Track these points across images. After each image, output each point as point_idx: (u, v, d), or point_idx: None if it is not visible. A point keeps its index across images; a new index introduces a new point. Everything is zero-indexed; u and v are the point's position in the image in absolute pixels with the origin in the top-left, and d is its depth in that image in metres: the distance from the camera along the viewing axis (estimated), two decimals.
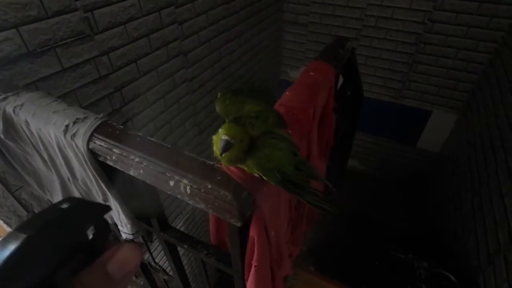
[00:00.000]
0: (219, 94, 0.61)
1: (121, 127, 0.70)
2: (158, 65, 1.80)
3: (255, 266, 0.66)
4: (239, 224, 0.55)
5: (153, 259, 1.14)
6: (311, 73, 0.90)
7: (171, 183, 0.58)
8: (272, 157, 0.53)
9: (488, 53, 2.56)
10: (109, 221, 0.90)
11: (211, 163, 0.60)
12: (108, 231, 0.29)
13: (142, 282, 1.48)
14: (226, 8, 2.24)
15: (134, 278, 1.58)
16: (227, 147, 0.49)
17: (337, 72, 0.98)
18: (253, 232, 0.61)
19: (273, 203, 0.63)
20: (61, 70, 1.27)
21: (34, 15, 1.13)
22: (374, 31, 2.88)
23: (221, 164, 0.58)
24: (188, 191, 0.56)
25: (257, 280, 0.69)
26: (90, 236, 0.27)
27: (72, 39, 1.28)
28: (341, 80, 1.55)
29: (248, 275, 0.70)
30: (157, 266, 1.18)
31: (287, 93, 0.81)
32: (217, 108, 0.59)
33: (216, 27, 2.20)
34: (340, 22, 2.96)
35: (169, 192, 0.60)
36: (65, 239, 0.26)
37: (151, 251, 1.15)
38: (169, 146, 0.64)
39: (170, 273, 1.16)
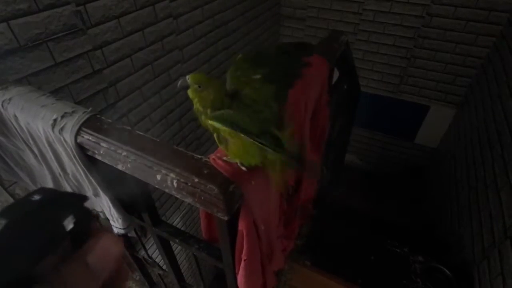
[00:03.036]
0: (239, 57, 0.62)
1: (110, 121, 0.69)
2: (153, 60, 1.78)
3: (244, 260, 0.66)
4: (226, 218, 0.55)
5: (147, 253, 1.14)
6: None
7: (158, 177, 0.57)
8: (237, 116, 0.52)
9: (487, 47, 2.55)
10: (101, 216, 0.90)
11: (199, 157, 0.59)
12: (90, 220, 0.29)
13: (138, 277, 1.48)
14: (223, 3, 2.22)
15: (130, 273, 1.59)
16: (182, 84, 0.54)
17: (331, 66, 0.97)
18: (241, 226, 0.61)
19: (262, 197, 0.63)
20: (54, 64, 1.26)
21: (25, 8, 1.11)
22: (372, 25, 2.86)
23: (209, 158, 0.58)
24: (175, 184, 0.56)
25: (247, 274, 0.69)
26: (70, 227, 0.26)
27: (65, 33, 1.27)
28: (336, 74, 1.54)
29: (239, 269, 0.70)
30: (151, 261, 1.19)
31: None
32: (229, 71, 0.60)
33: (212, 22, 2.19)
34: (337, 16, 2.94)
35: (157, 186, 0.60)
36: (39, 232, 0.25)
37: (146, 246, 1.15)
38: (158, 140, 0.64)
39: (164, 268, 1.16)
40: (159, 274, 1.27)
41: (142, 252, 1.23)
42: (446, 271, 1.66)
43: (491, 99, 2.20)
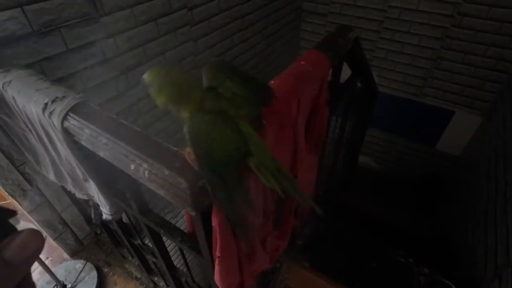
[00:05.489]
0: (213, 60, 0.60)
1: (98, 108, 0.70)
2: (166, 51, 1.80)
3: (218, 257, 0.65)
4: (193, 213, 0.54)
5: (141, 240, 1.16)
6: (302, 62, 0.86)
7: (132, 166, 0.57)
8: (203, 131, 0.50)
9: None
10: (85, 198, 0.92)
11: (175, 149, 0.58)
12: (6, 218, 0.29)
13: (137, 262, 1.52)
14: None
15: (130, 258, 1.63)
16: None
17: (332, 63, 0.93)
18: (214, 223, 0.60)
19: None
20: (66, 51, 1.30)
21: None
22: (397, 23, 2.73)
23: (184, 151, 0.57)
24: (147, 175, 0.56)
25: (222, 271, 0.68)
26: None
27: (77, 20, 1.30)
28: (348, 72, 1.48)
29: (215, 265, 0.69)
30: (146, 248, 1.21)
31: (272, 82, 0.78)
32: (203, 72, 0.56)
33: (228, 14, 2.17)
34: (361, 13, 2.83)
35: (132, 176, 0.60)
36: None
37: (140, 234, 1.17)
38: (139, 130, 0.63)
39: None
40: (153, 262, 1.29)
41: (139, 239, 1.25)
42: (453, 286, 1.57)
43: None
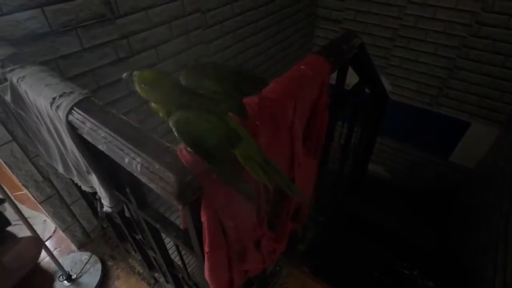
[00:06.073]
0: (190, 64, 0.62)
1: (101, 104, 0.73)
2: (178, 52, 1.85)
3: (206, 252, 0.66)
4: (180, 207, 0.56)
5: (142, 235, 1.19)
6: (302, 66, 0.87)
7: (126, 159, 0.60)
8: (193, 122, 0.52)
9: None
10: (90, 190, 0.96)
11: (168, 145, 0.61)
12: (5, 225, 0.31)
13: (139, 258, 1.55)
14: (254, 0, 2.23)
15: (133, 253, 1.67)
16: (126, 77, 0.53)
17: (334, 68, 0.93)
18: (203, 218, 0.61)
19: (228, 192, 0.63)
20: (81, 50, 1.36)
21: None
22: (412, 31, 2.70)
23: (177, 148, 0.59)
24: (139, 169, 0.58)
25: (210, 267, 0.69)
26: None
27: (94, 21, 1.37)
28: (356, 78, 1.48)
29: (204, 261, 0.70)
30: (146, 243, 1.24)
31: (270, 84, 0.79)
32: (182, 76, 0.59)
33: (242, 18, 2.21)
34: (376, 20, 2.81)
35: (127, 168, 0.62)
36: None
37: (140, 228, 1.20)
38: (136, 125, 0.66)
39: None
40: (153, 257, 1.32)
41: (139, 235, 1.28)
42: None
43: None
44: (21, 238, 0.24)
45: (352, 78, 1.39)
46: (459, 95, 2.77)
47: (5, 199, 0.73)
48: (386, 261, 1.72)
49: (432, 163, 3.25)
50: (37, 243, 0.26)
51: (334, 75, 1.18)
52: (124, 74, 0.54)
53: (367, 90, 1.62)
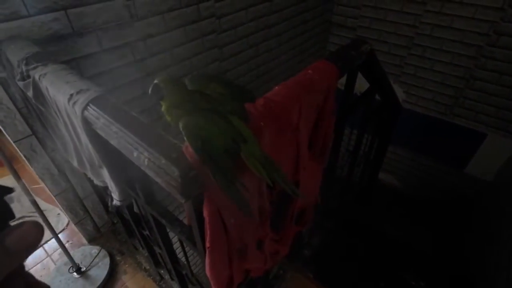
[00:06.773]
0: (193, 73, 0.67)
1: (115, 101, 0.77)
2: (192, 56, 1.90)
3: (208, 247, 0.68)
4: (183, 201, 0.58)
5: (148, 231, 1.23)
6: (309, 71, 0.89)
7: (135, 154, 0.63)
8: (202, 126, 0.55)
9: None
10: (101, 184, 1.00)
11: (175, 141, 0.64)
12: (6, 212, 0.32)
13: (146, 254, 1.59)
14: (268, 6, 2.27)
15: (141, 249, 1.71)
16: (154, 89, 0.58)
17: (341, 73, 0.95)
18: (205, 213, 0.64)
19: None
20: (100, 51, 1.43)
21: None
22: (428, 40, 2.67)
23: (183, 145, 0.62)
24: (146, 163, 0.61)
25: (211, 262, 0.71)
26: None
27: (113, 23, 1.43)
28: (366, 85, 1.48)
29: (205, 256, 0.72)
30: (152, 239, 1.27)
31: (276, 87, 0.81)
32: (187, 81, 0.63)
33: (255, 24, 2.24)
34: (391, 28, 2.80)
35: (135, 162, 0.65)
36: None
37: (147, 224, 1.23)
38: (145, 122, 0.69)
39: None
40: (159, 253, 1.35)
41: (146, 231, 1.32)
42: None
43: None
44: (24, 222, 0.26)
45: (364, 84, 1.40)
46: (475, 106, 2.71)
47: (14, 188, 0.76)
48: (392, 270, 1.69)
49: (446, 175, 3.17)
50: (39, 227, 0.27)
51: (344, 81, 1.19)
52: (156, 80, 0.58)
53: (378, 98, 1.63)
